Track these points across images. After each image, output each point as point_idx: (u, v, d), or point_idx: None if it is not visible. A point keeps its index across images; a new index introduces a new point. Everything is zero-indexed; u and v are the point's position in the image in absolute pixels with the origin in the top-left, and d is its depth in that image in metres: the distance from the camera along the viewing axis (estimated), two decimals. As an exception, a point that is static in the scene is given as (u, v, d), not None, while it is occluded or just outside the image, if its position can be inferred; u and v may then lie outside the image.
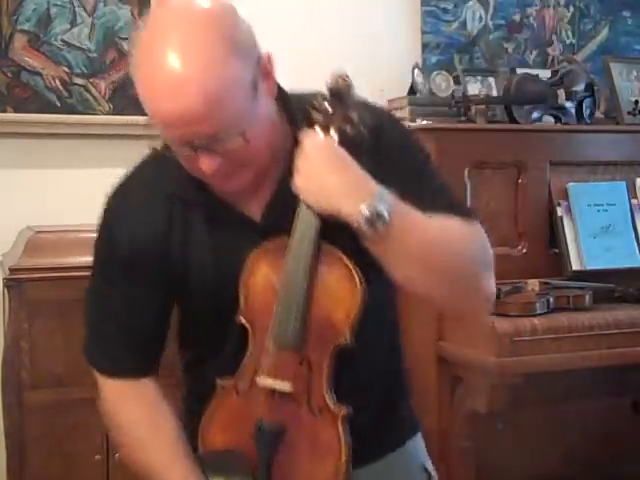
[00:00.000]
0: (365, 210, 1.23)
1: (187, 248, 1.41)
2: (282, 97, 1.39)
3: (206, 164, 1.28)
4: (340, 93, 1.33)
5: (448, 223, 1.35)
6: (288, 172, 1.32)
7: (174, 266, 1.42)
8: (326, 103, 1.32)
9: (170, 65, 1.21)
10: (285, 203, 1.34)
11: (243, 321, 1.36)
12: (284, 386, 1.33)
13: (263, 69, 1.32)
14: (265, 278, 1.35)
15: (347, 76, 1.34)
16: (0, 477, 2.52)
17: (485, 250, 1.39)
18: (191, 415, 1.46)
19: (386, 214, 1.24)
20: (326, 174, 1.27)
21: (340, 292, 1.31)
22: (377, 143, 1.37)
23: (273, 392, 1.33)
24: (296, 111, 1.38)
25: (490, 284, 1.38)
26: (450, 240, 1.34)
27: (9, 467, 2.46)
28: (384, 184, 1.29)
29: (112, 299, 1.46)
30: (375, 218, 1.23)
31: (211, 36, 1.23)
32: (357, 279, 1.31)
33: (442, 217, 1.34)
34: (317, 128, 1.30)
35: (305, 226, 1.30)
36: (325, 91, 1.34)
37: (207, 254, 1.41)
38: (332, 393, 1.33)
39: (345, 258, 1.31)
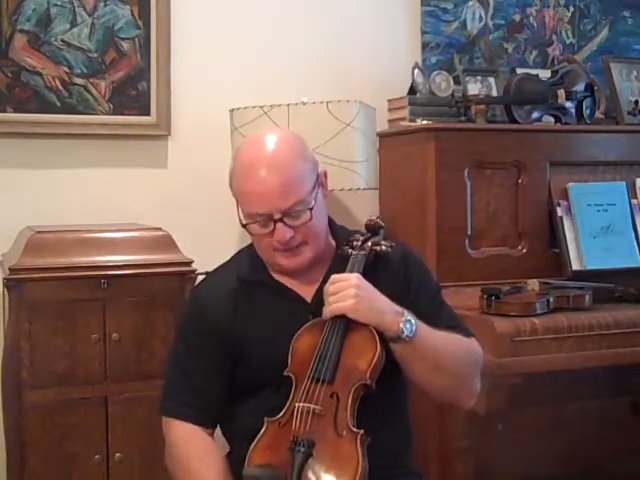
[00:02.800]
0: (402, 322, 1.69)
1: (250, 321, 1.80)
2: (330, 222, 1.90)
3: (280, 234, 1.73)
4: (373, 228, 1.88)
5: (453, 336, 1.80)
6: (331, 269, 1.81)
7: (238, 336, 1.79)
8: (360, 236, 1.86)
9: (263, 164, 1.74)
10: None
11: (290, 374, 1.71)
12: (317, 407, 1.66)
13: (321, 179, 1.83)
14: (308, 341, 1.73)
15: (379, 217, 1.91)
16: (0, 477, 2.52)
17: (478, 358, 1.85)
18: (236, 464, 1.76)
19: (414, 324, 1.70)
20: (374, 300, 1.72)
21: (364, 348, 1.70)
22: (406, 267, 1.86)
23: (308, 414, 1.65)
24: (339, 233, 1.91)
25: (477, 383, 1.84)
26: (454, 350, 1.78)
27: (9, 467, 2.46)
28: (409, 298, 1.80)
29: (188, 363, 1.83)
30: (408, 327, 1.69)
31: (289, 149, 1.78)
32: (377, 341, 1.69)
33: (448, 332, 1.79)
34: (353, 260, 1.80)
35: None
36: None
37: (266, 325, 1.80)
38: (354, 420, 1.65)
39: (371, 327, 1.70)
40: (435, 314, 1.84)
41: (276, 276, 1.84)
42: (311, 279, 1.82)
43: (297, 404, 1.67)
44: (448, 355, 1.76)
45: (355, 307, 1.69)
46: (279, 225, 1.73)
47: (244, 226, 1.79)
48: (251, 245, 1.88)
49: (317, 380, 1.67)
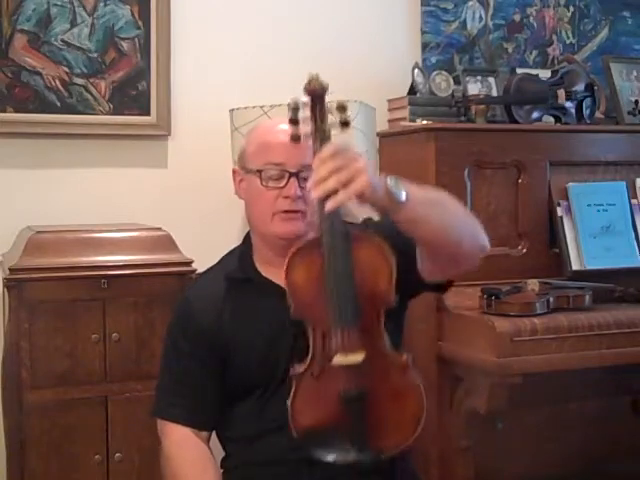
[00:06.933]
0: (389, 181, 1.50)
1: (236, 320, 1.79)
2: None
3: (292, 189, 1.71)
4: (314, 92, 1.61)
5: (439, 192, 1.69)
6: None
7: (225, 336, 1.78)
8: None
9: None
10: None
11: (297, 317, 1.61)
12: (357, 357, 1.54)
13: None
14: (305, 273, 1.61)
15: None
16: (0, 477, 2.52)
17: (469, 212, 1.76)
18: (231, 469, 1.79)
19: (399, 180, 1.52)
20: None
21: (377, 265, 1.57)
22: None
23: (348, 366, 1.54)
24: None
25: (484, 236, 1.71)
26: (448, 200, 1.66)
27: (9, 467, 2.46)
28: None
29: (178, 365, 1.83)
30: (395, 184, 1.50)
31: None
32: (386, 250, 1.57)
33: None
34: None
35: (334, 224, 1.56)
36: None
37: (252, 324, 1.77)
38: (393, 348, 1.58)
39: (373, 235, 1.60)
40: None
41: (263, 272, 1.82)
42: None
43: (335, 359, 1.54)
44: (444, 205, 1.64)
45: (371, 181, 1.46)
46: (292, 180, 1.72)
47: (259, 172, 1.73)
48: (243, 243, 1.89)
49: (343, 328, 1.56)
